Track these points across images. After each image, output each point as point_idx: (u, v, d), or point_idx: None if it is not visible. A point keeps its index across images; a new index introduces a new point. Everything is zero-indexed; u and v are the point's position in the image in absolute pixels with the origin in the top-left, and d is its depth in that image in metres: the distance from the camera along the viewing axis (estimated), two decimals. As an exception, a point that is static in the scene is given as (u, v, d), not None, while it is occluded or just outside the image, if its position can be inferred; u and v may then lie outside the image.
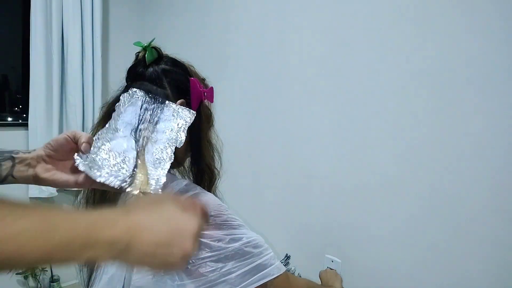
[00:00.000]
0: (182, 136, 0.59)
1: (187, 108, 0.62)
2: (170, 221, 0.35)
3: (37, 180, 0.54)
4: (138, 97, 0.62)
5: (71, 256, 0.27)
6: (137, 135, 0.58)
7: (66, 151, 0.55)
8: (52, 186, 0.55)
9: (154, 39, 0.69)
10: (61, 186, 0.54)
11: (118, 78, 0.73)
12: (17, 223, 0.25)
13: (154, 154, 0.57)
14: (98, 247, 0.28)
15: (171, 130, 0.59)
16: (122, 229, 0.30)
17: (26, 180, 0.54)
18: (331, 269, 1.14)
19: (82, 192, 0.72)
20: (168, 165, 0.56)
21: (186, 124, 0.61)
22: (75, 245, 0.27)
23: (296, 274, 1.19)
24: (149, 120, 0.60)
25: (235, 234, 0.57)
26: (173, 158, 0.57)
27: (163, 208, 0.36)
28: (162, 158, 0.56)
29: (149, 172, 0.54)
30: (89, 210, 0.31)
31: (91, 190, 0.68)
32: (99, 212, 0.31)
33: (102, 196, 0.67)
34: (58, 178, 0.54)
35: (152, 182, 0.53)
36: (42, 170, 0.54)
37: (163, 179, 0.54)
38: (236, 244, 0.56)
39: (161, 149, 0.58)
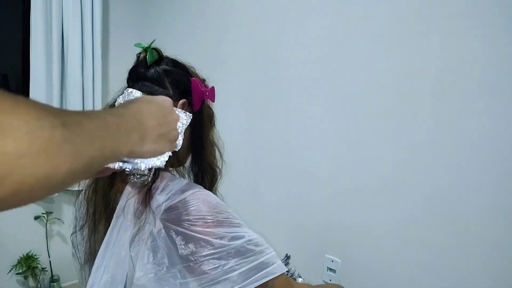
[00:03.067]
0: (180, 139, 0.59)
1: (183, 111, 0.62)
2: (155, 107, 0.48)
3: None
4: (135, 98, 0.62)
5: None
6: None
7: None
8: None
9: (154, 40, 0.69)
10: None
11: (118, 78, 0.73)
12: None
13: None
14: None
15: None
16: (136, 137, 0.41)
17: None
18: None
19: (82, 193, 0.72)
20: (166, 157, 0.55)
21: (183, 127, 0.61)
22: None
23: (296, 274, 1.19)
24: None
25: (237, 232, 0.58)
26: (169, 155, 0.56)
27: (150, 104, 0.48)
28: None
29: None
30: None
31: (93, 191, 0.69)
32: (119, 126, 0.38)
33: (104, 197, 0.67)
34: None
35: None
36: None
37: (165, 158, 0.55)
38: (238, 242, 0.56)
39: None
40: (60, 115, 0.27)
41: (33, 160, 0.24)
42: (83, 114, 0.32)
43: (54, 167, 0.25)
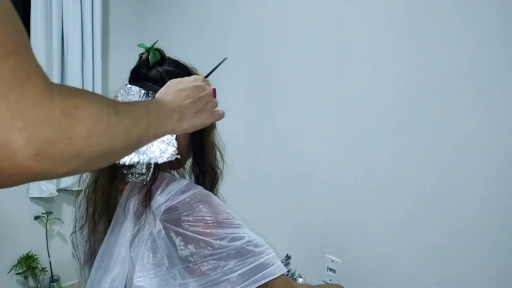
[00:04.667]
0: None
1: None
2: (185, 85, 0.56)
3: None
4: (134, 93, 0.63)
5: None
6: None
7: None
8: None
9: (157, 41, 0.70)
10: None
11: (118, 78, 0.73)
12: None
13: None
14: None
15: None
16: (174, 118, 0.50)
17: None
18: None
19: (83, 192, 0.72)
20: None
21: None
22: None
23: (297, 274, 1.19)
24: None
25: (237, 233, 0.58)
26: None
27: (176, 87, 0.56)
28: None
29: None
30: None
31: (93, 190, 0.68)
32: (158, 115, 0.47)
33: (103, 196, 0.67)
34: None
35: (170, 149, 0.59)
36: None
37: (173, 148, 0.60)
38: (238, 243, 0.56)
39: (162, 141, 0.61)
40: (114, 106, 0.36)
41: (98, 140, 0.32)
42: (131, 103, 0.41)
43: (112, 144, 0.34)
